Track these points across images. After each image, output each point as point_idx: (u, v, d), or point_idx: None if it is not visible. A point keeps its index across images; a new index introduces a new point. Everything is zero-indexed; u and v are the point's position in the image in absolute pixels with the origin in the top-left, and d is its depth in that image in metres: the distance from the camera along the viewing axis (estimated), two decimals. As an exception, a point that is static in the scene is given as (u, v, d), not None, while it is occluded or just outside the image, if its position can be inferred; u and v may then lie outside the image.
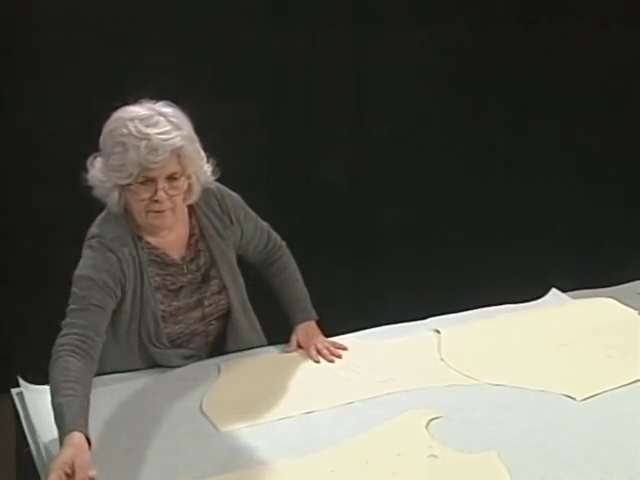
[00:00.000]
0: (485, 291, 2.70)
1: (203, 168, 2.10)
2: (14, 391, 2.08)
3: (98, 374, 2.02)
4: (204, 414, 1.98)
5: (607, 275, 2.73)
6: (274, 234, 2.41)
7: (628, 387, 2.08)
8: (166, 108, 2.03)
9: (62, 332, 1.97)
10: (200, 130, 2.15)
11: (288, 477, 1.73)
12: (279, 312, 2.44)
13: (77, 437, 1.70)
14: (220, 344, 2.31)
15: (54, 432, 1.86)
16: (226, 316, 2.28)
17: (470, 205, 3.95)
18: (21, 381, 2.07)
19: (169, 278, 2.17)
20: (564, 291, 2.69)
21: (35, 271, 3.39)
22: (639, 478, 1.70)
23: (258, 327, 2.38)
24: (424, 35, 3.72)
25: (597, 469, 1.73)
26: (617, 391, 2.07)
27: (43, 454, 1.80)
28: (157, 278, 2.15)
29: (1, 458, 2.25)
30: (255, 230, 2.33)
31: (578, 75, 3.95)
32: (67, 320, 1.99)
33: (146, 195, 2.01)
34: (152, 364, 2.20)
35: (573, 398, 2.03)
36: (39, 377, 2.10)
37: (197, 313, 2.22)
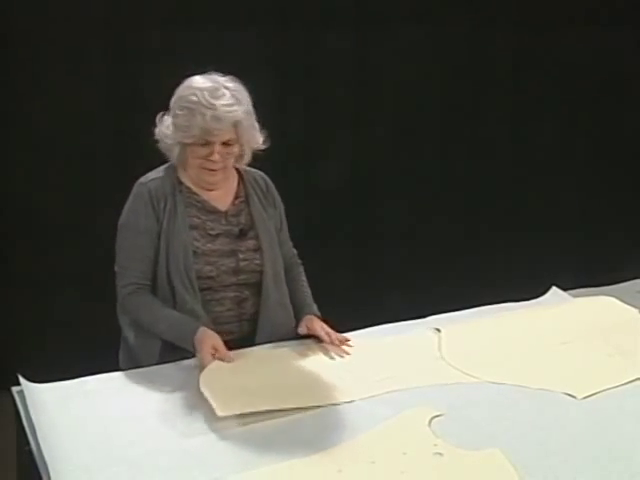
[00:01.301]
0: (485, 290, 2.70)
1: (256, 137, 2.34)
2: (15, 389, 2.07)
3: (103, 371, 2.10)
4: (201, 393, 1.99)
5: (607, 273, 2.74)
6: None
7: (629, 385, 2.09)
8: (230, 83, 2.27)
9: (119, 281, 2.30)
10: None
11: (294, 477, 1.72)
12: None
13: (207, 330, 2.19)
14: (250, 327, 2.36)
15: (54, 430, 1.87)
16: (259, 288, 2.35)
17: (470, 205, 3.96)
18: (22, 379, 2.07)
19: (209, 224, 2.34)
20: (564, 289, 2.70)
21: (35, 271, 3.39)
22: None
23: (287, 303, 2.43)
24: (424, 35, 3.73)
25: (598, 467, 1.73)
26: (618, 389, 2.07)
27: (43, 452, 1.80)
28: (196, 220, 2.33)
29: (2, 456, 2.25)
30: (288, 239, 2.53)
31: (578, 75, 3.95)
32: (118, 268, 2.30)
33: (203, 154, 2.26)
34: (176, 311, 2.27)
35: (574, 396, 2.03)
36: (40, 375, 2.11)
37: (231, 262, 2.32)
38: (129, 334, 2.34)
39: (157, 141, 2.31)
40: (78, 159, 3.34)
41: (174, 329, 2.23)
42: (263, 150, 2.35)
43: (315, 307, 2.46)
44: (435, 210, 3.91)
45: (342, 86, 3.72)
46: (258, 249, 2.36)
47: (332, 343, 2.29)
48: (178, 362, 2.21)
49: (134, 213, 2.30)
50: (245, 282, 2.35)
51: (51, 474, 1.73)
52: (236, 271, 2.33)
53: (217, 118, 2.20)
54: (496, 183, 3.97)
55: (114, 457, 1.79)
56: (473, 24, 3.79)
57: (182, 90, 2.27)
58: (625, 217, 4.04)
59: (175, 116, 2.26)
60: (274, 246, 2.41)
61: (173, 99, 2.28)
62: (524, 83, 3.94)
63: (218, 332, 2.26)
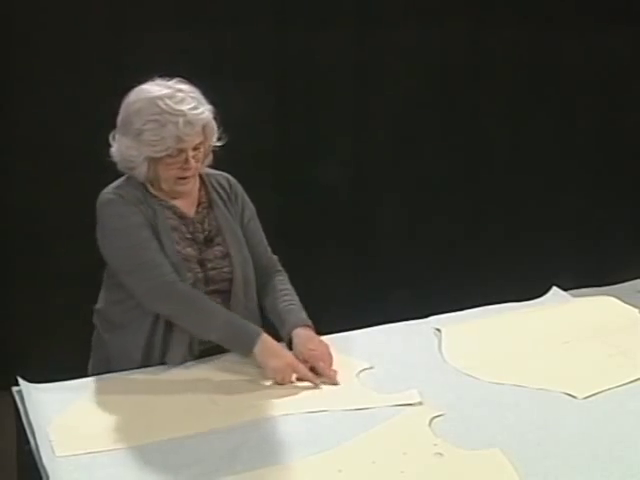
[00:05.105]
0: (486, 290, 2.70)
1: (215, 136, 2.28)
2: (15, 389, 2.07)
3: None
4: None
5: (608, 273, 2.73)
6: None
7: (629, 385, 2.09)
8: (182, 85, 2.21)
9: (146, 274, 2.16)
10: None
11: (294, 477, 1.72)
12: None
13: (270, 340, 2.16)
14: None
15: (54, 430, 1.87)
16: (229, 295, 2.29)
17: (471, 204, 3.95)
18: (20, 380, 2.07)
19: (183, 227, 2.28)
20: (565, 290, 2.69)
21: (36, 271, 3.40)
22: (640, 477, 1.71)
23: (254, 306, 2.36)
24: (424, 35, 3.72)
25: (598, 467, 1.73)
26: (618, 389, 2.07)
27: (44, 452, 1.80)
28: (172, 221, 2.26)
29: (2, 456, 2.26)
30: (262, 237, 2.43)
31: (578, 75, 3.95)
32: (138, 265, 2.17)
33: (177, 164, 2.19)
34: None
35: (574, 397, 2.03)
36: (40, 375, 2.11)
37: (200, 273, 2.25)
38: (110, 337, 2.27)
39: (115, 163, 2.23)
40: (78, 159, 3.34)
41: (231, 328, 2.17)
42: (220, 146, 2.27)
43: (304, 313, 2.32)
44: (435, 210, 3.90)
45: (342, 86, 3.72)
46: (226, 255, 2.29)
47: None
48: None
49: (120, 215, 2.21)
50: (215, 290, 2.28)
51: (51, 474, 1.73)
52: (206, 282, 2.26)
53: (189, 123, 2.13)
54: (496, 183, 3.97)
55: (114, 457, 1.79)
56: (473, 24, 3.78)
57: (137, 104, 2.17)
58: (625, 217, 4.03)
59: (140, 133, 2.15)
60: (242, 249, 2.33)
61: (126, 115, 2.18)
62: (524, 83, 3.93)
63: (191, 340, 2.23)
